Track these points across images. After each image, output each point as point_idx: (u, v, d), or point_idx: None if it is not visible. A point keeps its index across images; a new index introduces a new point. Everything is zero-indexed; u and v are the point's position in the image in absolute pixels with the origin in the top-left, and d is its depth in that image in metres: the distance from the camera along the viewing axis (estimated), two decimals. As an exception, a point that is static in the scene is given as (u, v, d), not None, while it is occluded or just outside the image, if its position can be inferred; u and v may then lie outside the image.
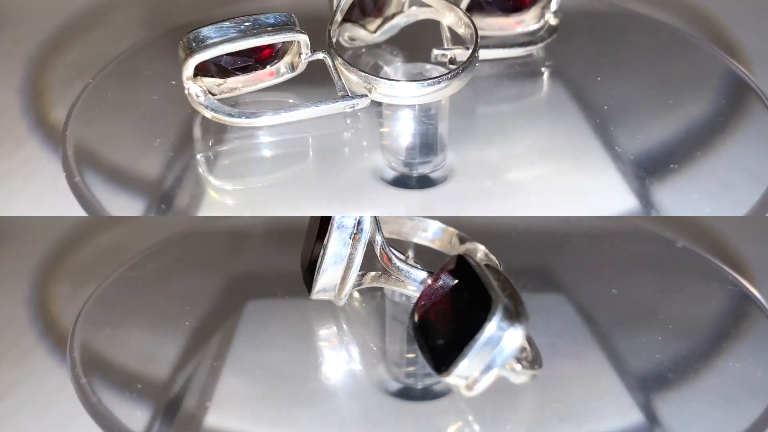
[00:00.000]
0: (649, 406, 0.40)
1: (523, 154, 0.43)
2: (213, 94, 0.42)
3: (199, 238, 0.51)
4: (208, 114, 0.42)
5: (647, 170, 0.42)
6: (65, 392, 0.42)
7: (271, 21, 0.42)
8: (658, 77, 0.47)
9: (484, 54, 0.45)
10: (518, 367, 0.36)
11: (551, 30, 0.48)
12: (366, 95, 0.42)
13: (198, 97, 0.41)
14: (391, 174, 0.42)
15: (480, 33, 0.45)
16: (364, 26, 0.46)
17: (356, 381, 0.41)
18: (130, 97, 0.45)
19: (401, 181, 0.42)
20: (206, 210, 0.40)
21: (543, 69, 0.47)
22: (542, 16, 0.48)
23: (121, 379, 0.42)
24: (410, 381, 0.41)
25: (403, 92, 0.42)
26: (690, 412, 0.40)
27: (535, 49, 0.47)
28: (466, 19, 0.44)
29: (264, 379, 0.41)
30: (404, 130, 0.43)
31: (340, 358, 0.43)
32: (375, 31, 0.47)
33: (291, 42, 0.42)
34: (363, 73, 0.42)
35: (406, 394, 0.41)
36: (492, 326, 0.34)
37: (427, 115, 0.43)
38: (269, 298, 0.46)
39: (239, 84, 0.43)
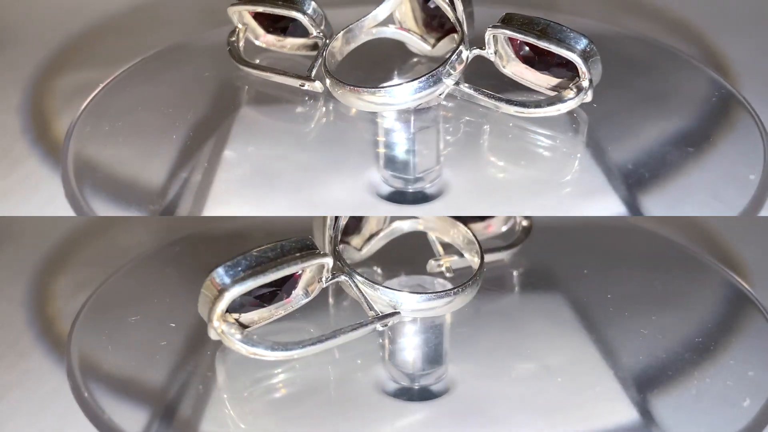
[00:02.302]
0: (646, 406, 0.41)
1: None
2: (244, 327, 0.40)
3: (196, 240, 0.51)
4: (245, 351, 0.39)
5: (639, 180, 0.43)
6: (62, 394, 0.42)
7: (297, 246, 0.40)
8: (649, 92, 0.48)
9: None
10: (225, 326, 0.39)
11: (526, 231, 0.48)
12: (398, 312, 0.41)
13: (233, 334, 0.39)
14: (393, 386, 0.42)
15: (515, 78, 0.44)
16: (348, 243, 0.46)
17: (354, 382, 0.42)
18: (131, 114, 0.46)
19: (403, 393, 0.42)
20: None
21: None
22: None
23: (118, 381, 0.42)
24: (407, 381, 0.42)
25: (431, 306, 0.41)
26: (687, 412, 0.40)
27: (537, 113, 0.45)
28: (471, 237, 0.45)
29: (261, 382, 0.41)
30: (409, 343, 0.43)
31: (337, 359, 0.43)
32: (361, 249, 0.47)
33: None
34: (390, 290, 0.41)
35: (403, 394, 0.41)
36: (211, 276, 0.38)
37: (432, 325, 0.43)
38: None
39: (255, 317, 0.41)
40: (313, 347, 0.40)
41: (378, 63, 0.47)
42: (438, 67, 0.42)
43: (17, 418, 0.42)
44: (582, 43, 0.42)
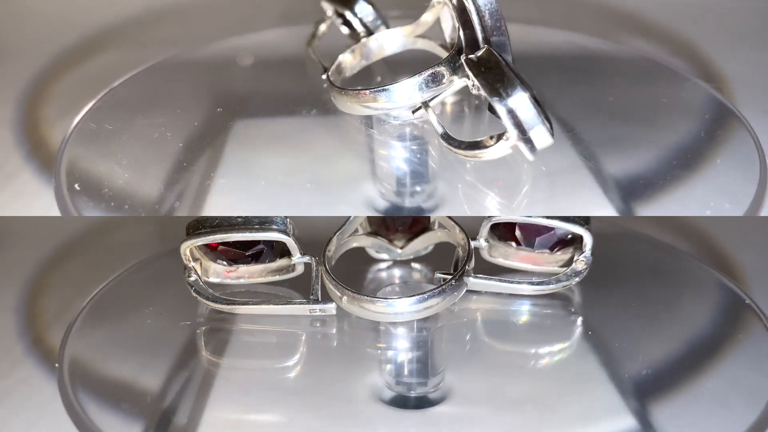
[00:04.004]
0: (645, 412, 0.40)
1: (522, 379, 0.42)
2: (214, 279, 0.46)
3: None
4: (192, 292, 0.45)
5: (634, 192, 0.43)
6: (54, 406, 0.42)
7: (261, 221, 0.44)
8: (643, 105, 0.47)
9: (478, 285, 0.44)
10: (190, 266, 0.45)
11: (574, 273, 0.45)
12: (332, 303, 0.43)
13: (189, 276, 0.45)
14: (389, 394, 0.42)
15: (505, 264, 0.45)
16: (391, 241, 0.47)
17: (350, 389, 0.42)
18: (125, 126, 0.47)
19: (399, 401, 0.42)
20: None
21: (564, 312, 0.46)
22: (572, 259, 0.45)
23: (110, 393, 0.42)
24: (404, 389, 0.42)
25: (371, 308, 0.42)
26: (685, 417, 0.40)
27: (547, 290, 0.45)
28: (462, 240, 0.44)
29: (255, 391, 0.42)
30: (398, 349, 0.44)
31: (334, 367, 0.43)
32: (402, 247, 0.47)
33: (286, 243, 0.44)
34: (335, 282, 0.43)
35: (399, 402, 0.41)
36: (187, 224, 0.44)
37: (419, 333, 0.43)
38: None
39: (245, 275, 0.46)
40: (239, 307, 0.44)
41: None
42: (462, 266, 0.43)
43: (8, 427, 0.42)
44: (514, 95, 0.37)
